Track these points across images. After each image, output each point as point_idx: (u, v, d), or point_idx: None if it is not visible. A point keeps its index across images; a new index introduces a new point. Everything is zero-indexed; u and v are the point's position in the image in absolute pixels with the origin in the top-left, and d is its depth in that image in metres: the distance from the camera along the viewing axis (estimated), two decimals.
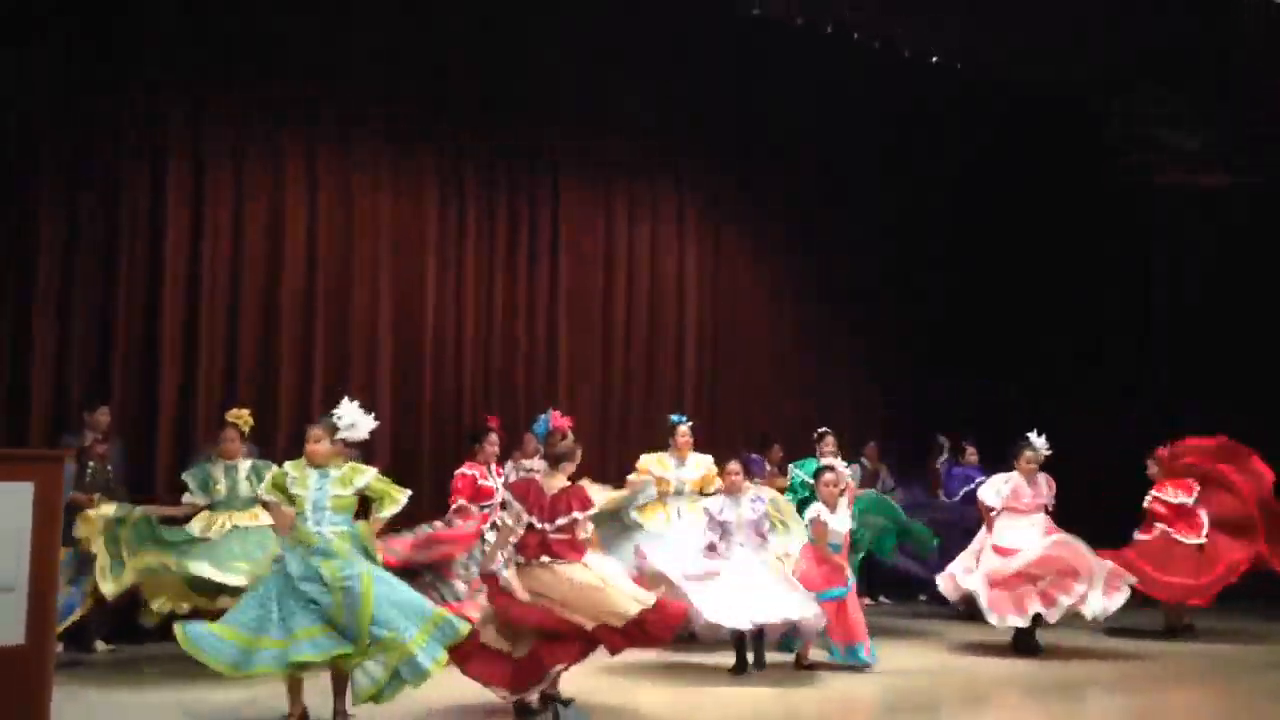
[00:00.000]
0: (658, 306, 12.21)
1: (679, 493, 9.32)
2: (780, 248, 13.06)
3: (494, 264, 11.25)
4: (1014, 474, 9.05)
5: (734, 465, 8.17)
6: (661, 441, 9.45)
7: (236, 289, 9.99)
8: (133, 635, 8.50)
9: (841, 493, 8.32)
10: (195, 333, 9.77)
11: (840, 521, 8.17)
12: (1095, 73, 11.82)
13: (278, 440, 9.84)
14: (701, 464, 9.39)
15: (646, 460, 9.45)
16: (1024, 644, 8.75)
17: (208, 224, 9.87)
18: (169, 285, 9.67)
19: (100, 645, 8.48)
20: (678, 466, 9.40)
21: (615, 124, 11.95)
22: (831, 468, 8.57)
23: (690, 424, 9.45)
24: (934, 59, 11.20)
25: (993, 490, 9.09)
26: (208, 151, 9.91)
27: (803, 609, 7.63)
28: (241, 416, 8.19)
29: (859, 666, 7.96)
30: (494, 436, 8.99)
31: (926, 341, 13.62)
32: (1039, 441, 9.12)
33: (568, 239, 11.67)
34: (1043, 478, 9.04)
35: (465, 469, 8.87)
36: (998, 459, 9.59)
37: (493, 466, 8.97)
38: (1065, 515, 9.15)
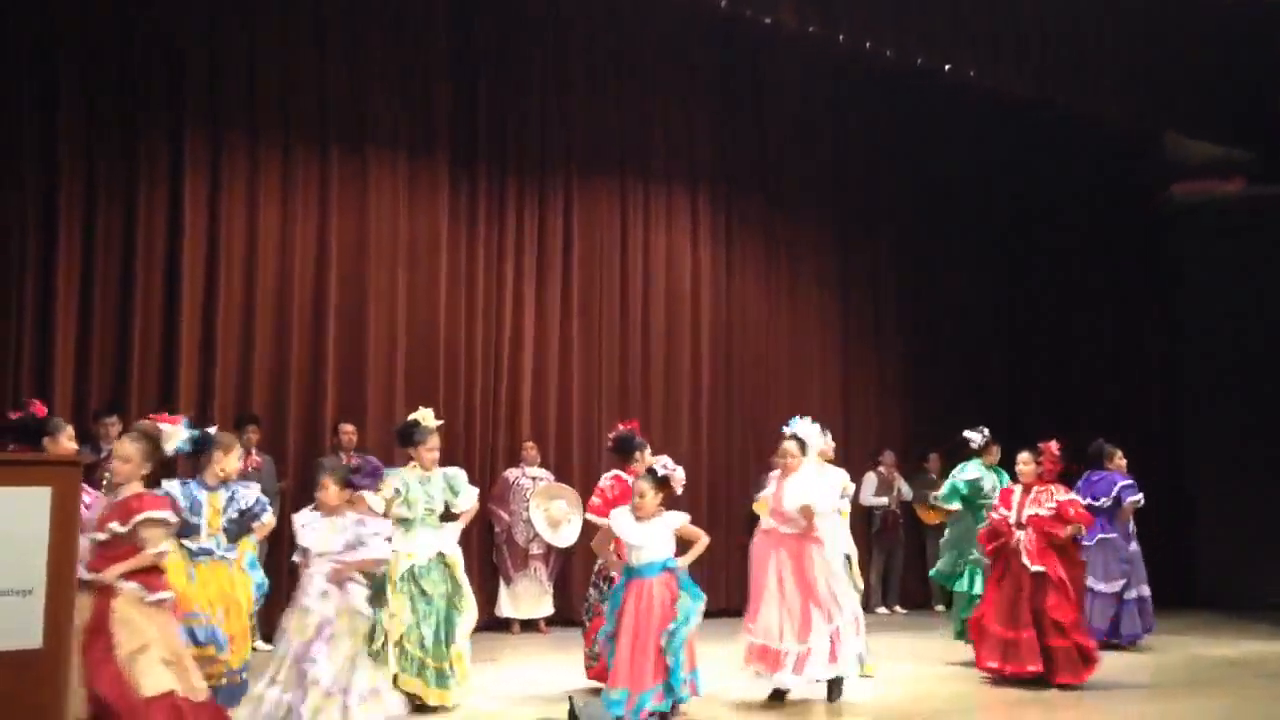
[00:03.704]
0: (672, 312, 12.09)
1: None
2: (796, 253, 12.96)
3: (506, 271, 11.16)
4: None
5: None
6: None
7: (251, 297, 9.95)
8: None
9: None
10: (211, 342, 9.73)
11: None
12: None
13: (289, 452, 9.86)
14: (837, 476, 8.41)
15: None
16: None
17: (223, 235, 9.84)
18: (186, 295, 9.65)
19: None
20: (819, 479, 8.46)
21: (629, 130, 11.90)
22: None
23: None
24: (946, 66, 11.12)
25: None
26: (224, 163, 9.88)
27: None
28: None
29: None
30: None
31: (947, 337, 13.60)
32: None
33: (581, 245, 11.58)
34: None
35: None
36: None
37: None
38: None
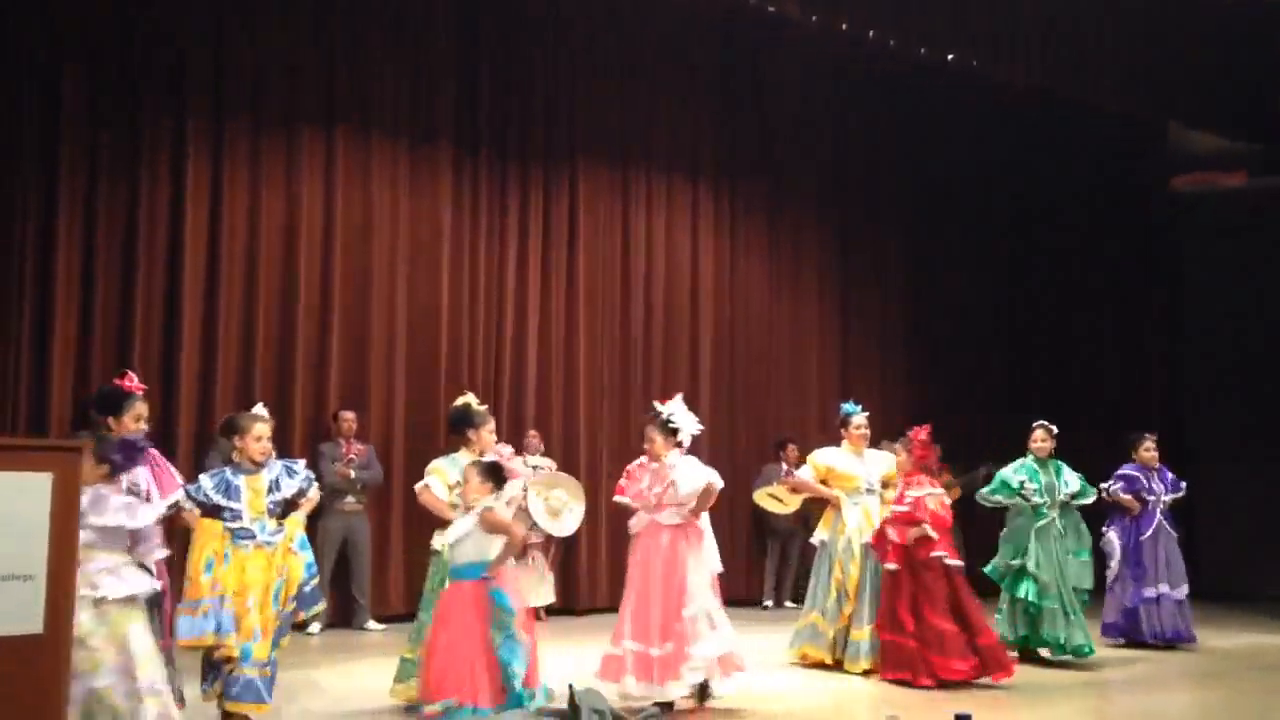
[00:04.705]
0: (674, 301, 12.03)
1: (869, 490, 8.19)
2: (797, 250, 12.90)
3: (508, 261, 11.08)
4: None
5: None
6: None
7: (253, 285, 9.85)
8: None
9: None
10: (213, 330, 9.64)
11: None
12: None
13: (293, 437, 9.79)
14: (883, 459, 8.28)
15: (825, 456, 8.30)
16: None
17: (225, 222, 9.75)
18: (188, 282, 9.56)
19: None
20: (860, 462, 8.29)
21: (632, 121, 11.82)
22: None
23: (867, 414, 8.39)
24: (949, 57, 11.07)
25: None
26: (226, 151, 9.79)
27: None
28: None
29: None
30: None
31: (947, 336, 13.53)
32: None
33: (584, 235, 11.50)
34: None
35: None
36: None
37: None
38: None
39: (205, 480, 5.85)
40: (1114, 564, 9.33)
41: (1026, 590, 8.28)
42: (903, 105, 13.15)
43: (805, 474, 8.35)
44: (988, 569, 8.70)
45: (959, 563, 7.64)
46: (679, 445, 6.77)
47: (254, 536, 5.79)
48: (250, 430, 6.04)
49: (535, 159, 11.27)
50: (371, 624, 9.82)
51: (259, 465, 5.96)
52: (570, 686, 6.03)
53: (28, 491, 3.84)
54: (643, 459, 6.98)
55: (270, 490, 5.89)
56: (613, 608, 7.56)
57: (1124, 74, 11.58)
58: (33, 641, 3.76)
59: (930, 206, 13.64)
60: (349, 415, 9.83)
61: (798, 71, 12.79)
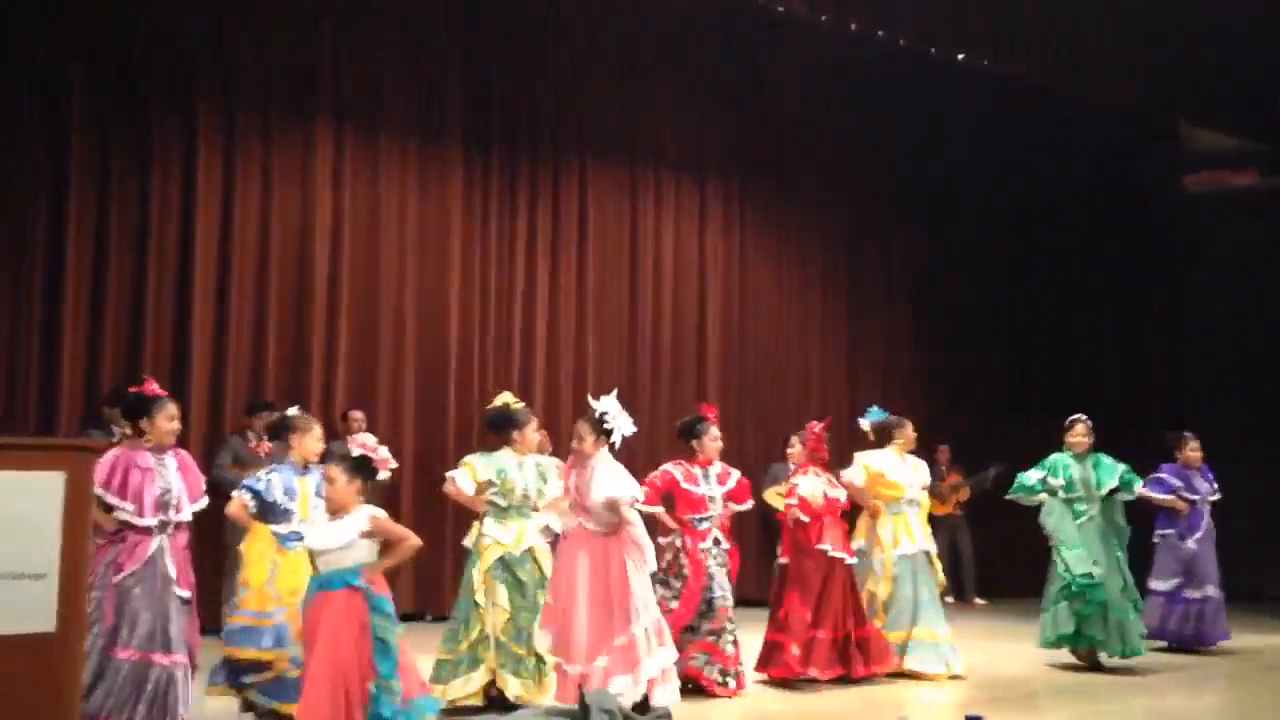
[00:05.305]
0: (682, 299, 11.96)
1: (909, 501, 7.84)
2: (805, 242, 12.84)
3: (517, 260, 11.03)
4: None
5: None
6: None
7: (264, 285, 9.80)
8: None
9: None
10: (224, 328, 9.58)
11: None
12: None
13: None
14: (919, 466, 7.96)
15: (879, 460, 7.85)
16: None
17: (236, 219, 9.69)
18: (199, 279, 9.50)
19: None
20: (908, 469, 7.90)
21: (641, 119, 11.79)
22: None
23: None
24: (960, 55, 11.03)
25: None
26: (237, 149, 9.74)
27: None
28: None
29: None
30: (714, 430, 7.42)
31: (947, 336, 13.47)
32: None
33: (592, 234, 11.46)
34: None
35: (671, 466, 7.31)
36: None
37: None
38: None
39: (275, 479, 5.71)
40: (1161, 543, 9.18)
41: (1096, 592, 7.97)
42: (902, 106, 13.10)
43: (857, 477, 7.83)
44: (1062, 574, 8.20)
45: (845, 556, 7.48)
46: (611, 446, 6.45)
47: (304, 539, 5.72)
48: (311, 430, 5.93)
49: (544, 158, 11.22)
50: None
51: (308, 467, 5.88)
52: (580, 688, 5.95)
53: (40, 491, 3.82)
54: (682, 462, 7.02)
55: (318, 493, 5.78)
56: None
57: (1123, 74, 11.55)
58: (44, 640, 3.73)
59: (930, 206, 13.59)
60: (358, 414, 9.71)
61: (797, 72, 12.74)
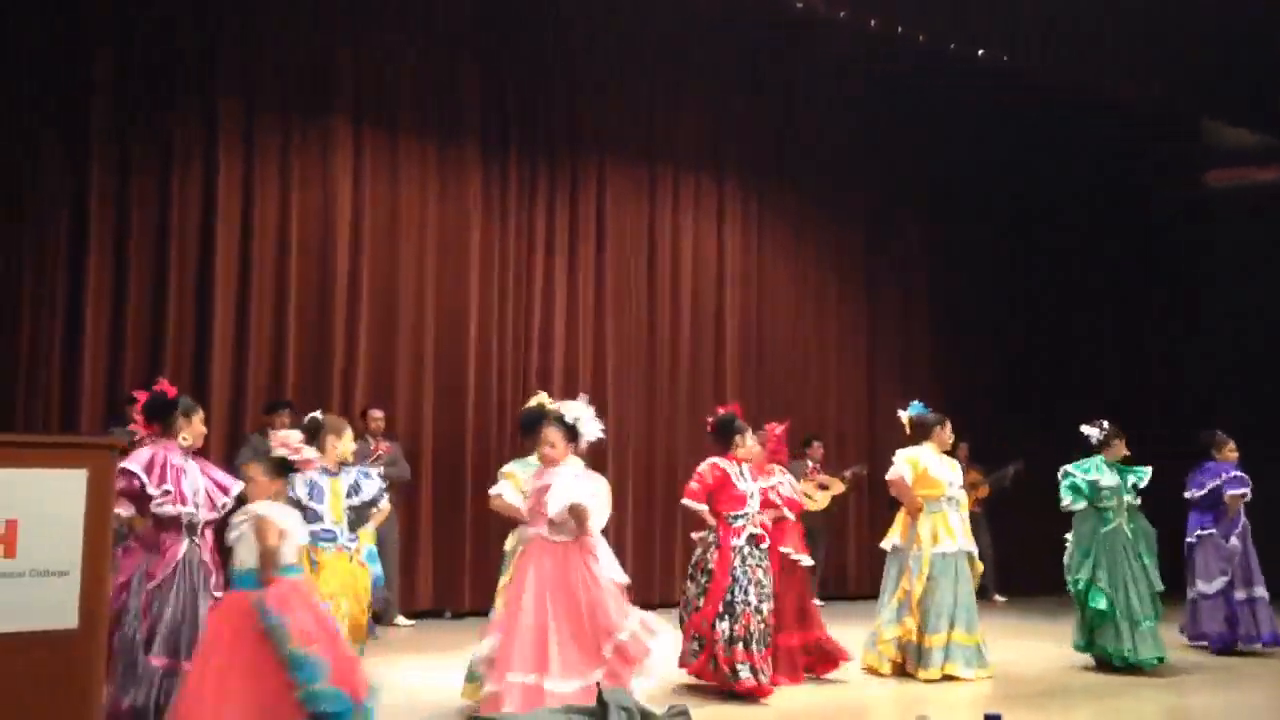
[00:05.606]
0: (700, 298, 11.97)
1: (949, 499, 7.76)
2: (820, 241, 12.86)
3: (536, 258, 11.06)
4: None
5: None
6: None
7: (284, 284, 9.86)
8: None
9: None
10: (245, 326, 9.65)
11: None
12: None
13: None
14: (955, 466, 7.85)
15: (923, 457, 7.75)
16: None
17: (256, 219, 9.76)
18: (219, 279, 9.57)
19: None
20: (947, 467, 7.80)
21: (658, 118, 11.83)
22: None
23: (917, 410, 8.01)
24: (979, 51, 11.02)
25: None
26: (257, 148, 9.81)
27: None
28: None
29: None
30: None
31: (946, 346, 13.48)
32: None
33: (613, 231, 11.48)
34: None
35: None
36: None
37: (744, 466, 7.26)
38: None
39: (298, 480, 5.62)
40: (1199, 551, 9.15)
41: (1095, 600, 7.97)
42: (902, 106, 13.08)
43: (904, 473, 7.74)
44: (1071, 583, 8.24)
45: (803, 558, 7.50)
46: (578, 451, 6.16)
47: (336, 539, 5.75)
48: (344, 432, 5.96)
49: (562, 158, 11.24)
50: (400, 619, 9.77)
51: (339, 469, 5.91)
52: (598, 684, 5.64)
53: (62, 488, 3.86)
54: (716, 460, 6.99)
55: (349, 494, 5.84)
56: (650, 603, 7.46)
57: (1123, 74, 11.51)
58: (67, 637, 3.78)
59: (930, 206, 13.57)
60: (377, 414, 9.70)
61: (797, 72, 12.73)
